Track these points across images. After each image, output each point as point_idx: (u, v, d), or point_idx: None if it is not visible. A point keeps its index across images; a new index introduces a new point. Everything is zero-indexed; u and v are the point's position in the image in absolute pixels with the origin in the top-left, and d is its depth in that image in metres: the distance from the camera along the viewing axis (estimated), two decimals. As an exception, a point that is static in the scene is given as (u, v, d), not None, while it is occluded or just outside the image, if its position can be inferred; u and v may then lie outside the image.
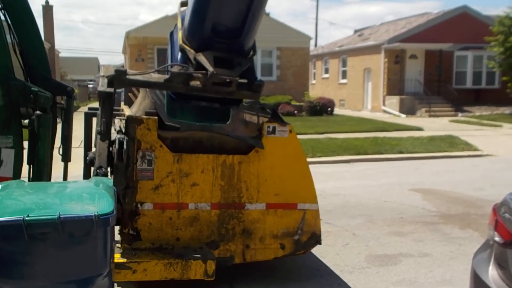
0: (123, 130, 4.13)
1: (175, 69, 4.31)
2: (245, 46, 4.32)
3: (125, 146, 3.90)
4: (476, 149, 13.21)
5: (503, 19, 22.31)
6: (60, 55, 38.88)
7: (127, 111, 4.95)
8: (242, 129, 4.27)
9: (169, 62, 5.33)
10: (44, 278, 2.58)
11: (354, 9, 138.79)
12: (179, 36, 4.51)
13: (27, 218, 2.47)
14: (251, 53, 4.42)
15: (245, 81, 4.19)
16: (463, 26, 25.77)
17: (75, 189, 3.13)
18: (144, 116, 4.09)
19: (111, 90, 4.04)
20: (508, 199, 3.12)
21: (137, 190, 4.05)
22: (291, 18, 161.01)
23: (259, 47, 4.53)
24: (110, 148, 4.07)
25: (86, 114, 4.97)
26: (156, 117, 4.08)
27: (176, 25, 4.87)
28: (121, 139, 3.93)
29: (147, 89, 4.88)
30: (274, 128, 4.31)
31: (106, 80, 4.05)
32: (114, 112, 4.39)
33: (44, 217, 2.51)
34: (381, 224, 6.53)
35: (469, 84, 26.57)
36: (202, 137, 4.24)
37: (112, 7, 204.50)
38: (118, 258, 3.81)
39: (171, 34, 5.10)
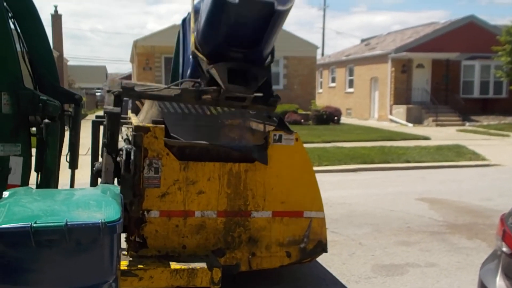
0: (130, 138, 4.13)
1: (187, 84, 4.26)
2: (263, 54, 4.24)
3: (132, 157, 3.90)
4: (483, 159, 13.14)
5: (510, 29, 22.28)
6: (68, 63, 39.17)
7: (134, 119, 4.97)
8: (248, 138, 4.26)
9: (181, 58, 5.25)
10: (51, 285, 2.59)
11: (360, 18, 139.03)
12: (192, 40, 4.45)
13: (34, 225, 2.48)
14: (269, 59, 4.32)
15: (261, 95, 4.12)
16: (470, 36, 25.75)
17: (82, 196, 3.14)
18: (151, 125, 4.11)
19: (118, 110, 4.04)
20: (516, 209, 3.11)
21: (143, 198, 4.05)
22: (297, 27, 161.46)
23: (266, 56, 4.46)
24: (118, 158, 4.07)
25: (93, 122, 5.00)
26: (163, 126, 4.09)
27: (189, 13, 4.72)
28: (128, 150, 3.93)
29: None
30: (280, 136, 4.31)
31: (112, 97, 4.05)
32: (121, 120, 4.40)
33: (52, 224, 2.52)
34: (388, 234, 6.50)
35: (476, 93, 26.48)
36: (208, 145, 4.25)
37: (119, 16, 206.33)
38: (124, 265, 3.81)
39: (184, 21, 5.00)
